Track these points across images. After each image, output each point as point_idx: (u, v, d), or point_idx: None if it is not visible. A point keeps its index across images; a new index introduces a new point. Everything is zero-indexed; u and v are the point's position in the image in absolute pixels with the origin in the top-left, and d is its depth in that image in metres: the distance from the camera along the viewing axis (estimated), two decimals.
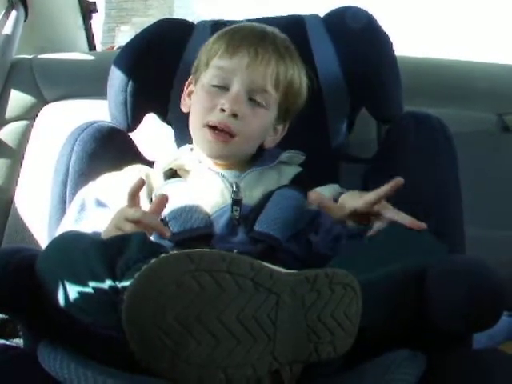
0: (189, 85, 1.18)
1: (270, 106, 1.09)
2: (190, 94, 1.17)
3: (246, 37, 1.09)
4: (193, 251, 0.65)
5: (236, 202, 1.04)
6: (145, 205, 0.98)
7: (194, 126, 1.11)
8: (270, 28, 1.14)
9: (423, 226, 0.91)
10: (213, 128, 1.06)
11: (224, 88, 1.07)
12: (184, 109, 1.18)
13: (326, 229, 1.02)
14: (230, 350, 0.65)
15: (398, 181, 0.93)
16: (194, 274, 0.64)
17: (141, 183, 0.91)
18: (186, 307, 0.63)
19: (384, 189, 0.94)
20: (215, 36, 1.14)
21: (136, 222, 0.88)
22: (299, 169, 1.14)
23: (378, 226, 0.94)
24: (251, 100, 1.07)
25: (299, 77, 1.13)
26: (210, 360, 0.64)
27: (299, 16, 1.33)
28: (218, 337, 0.64)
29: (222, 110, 1.05)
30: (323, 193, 1.07)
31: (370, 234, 0.94)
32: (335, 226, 1.00)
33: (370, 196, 0.95)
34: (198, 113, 1.09)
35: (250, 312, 0.66)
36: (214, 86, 1.08)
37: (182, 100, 1.18)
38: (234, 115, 1.05)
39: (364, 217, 0.97)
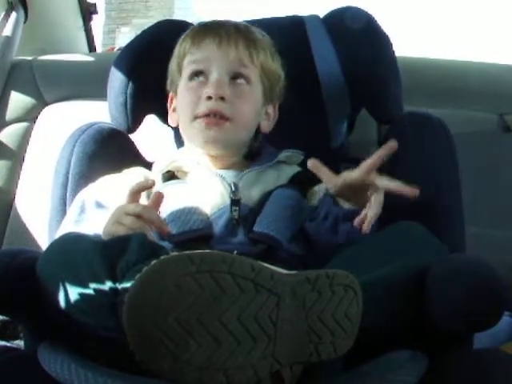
0: (171, 101, 1.18)
1: (251, 81, 1.10)
2: (175, 110, 1.17)
3: (209, 27, 1.12)
4: (193, 252, 0.65)
5: (235, 201, 1.04)
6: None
7: (184, 124, 1.11)
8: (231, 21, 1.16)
9: (416, 191, 0.90)
10: (203, 116, 1.06)
11: (203, 79, 1.08)
12: (172, 123, 1.18)
13: (326, 213, 1.01)
14: (230, 352, 0.64)
15: (392, 145, 0.94)
16: (194, 276, 0.64)
17: (150, 184, 0.92)
18: (187, 309, 0.63)
19: (378, 153, 0.94)
20: (178, 43, 1.15)
21: (136, 216, 0.88)
22: (298, 168, 1.14)
23: (373, 199, 0.93)
24: (232, 81, 1.08)
25: (272, 60, 1.14)
26: (210, 361, 0.63)
27: (299, 17, 1.33)
28: (218, 338, 0.64)
29: (209, 98, 1.05)
30: (321, 190, 1.08)
31: (364, 212, 0.93)
32: (332, 209, 1.00)
33: (365, 162, 0.94)
34: (184, 111, 1.09)
35: (250, 313, 0.66)
36: (192, 80, 1.09)
37: (169, 117, 1.18)
38: (221, 98, 1.05)
39: (358, 195, 0.96)
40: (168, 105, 1.18)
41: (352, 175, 0.95)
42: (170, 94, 1.18)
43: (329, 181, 0.98)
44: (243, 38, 1.10)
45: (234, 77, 1.08)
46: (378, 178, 0.93)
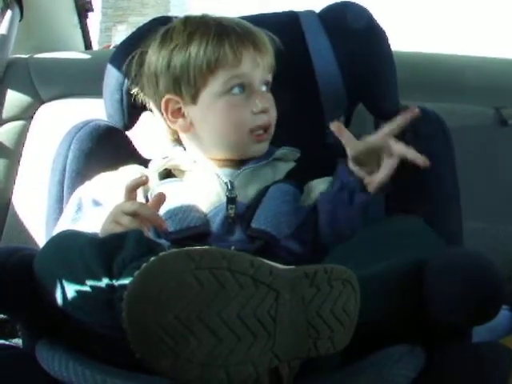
0: (166, 106, 1.09)
1: (269, 86, 1.11)
2: (176, 114, 1.09)
3: (240, 35, 1.06)
4: (193, 249, 0.65)
5: (231, 199, 1.04)
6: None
7: (232, 138, 1.06)
8: (233, 18, 1.13)
9: (427, 162, 0.95)
10: (258, 130, 1.07)
11: (243, 91, 1.06)
12: (182, 130, 1.11)
13: (341, 184, 1.02)
14: (231, 348, 0.64)
15: (414, 111, 0.97)
16: (194, 272, 0.63)
17: (144, 181, 0.92)
18: (187, 306, 0.62)
19: (399, 118, 0.98)
20: (195, 46, 1.04)
21: (133, 214, 0.88)
22: (293, 164, 1.14)
23: (385, 163, 0.97)
24: (264, 88, 1.09)
25: None
26: (211, 358, 0.63)
27: (294, 12, 1.32)
28: (219, 335, 0.64)
29: (262, 112, 1.06)
30: (319, 186, 1.08)
31: (375, 181, 0.97)
32: (347, 180, 1.01)
33: (386, 126, 0.98)
34: (231, 127, 1.05)
35: (250, 309, 0.66)
36: (231, 93, 1.05)
37: (169, 122, 1.11)
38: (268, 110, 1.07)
39: (373, 160, 0.98)
40: (162, 107, 1.09)
41: (372, 138, 0.99)
42: (166, 98, 1.08)
43: (349, 144, 1.00)
44: (269, 45, 1.10)
45: (263, 85, 1.09)
46: (394, 143, 0.97)
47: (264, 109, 1.06)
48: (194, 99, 1.06)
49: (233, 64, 1.04)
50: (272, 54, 1.10)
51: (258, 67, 1.06)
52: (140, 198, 1.00)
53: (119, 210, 0.89)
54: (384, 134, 0.98)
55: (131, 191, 0.91)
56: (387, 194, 1.00)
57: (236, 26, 1.07)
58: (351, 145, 0.99)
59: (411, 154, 0.96)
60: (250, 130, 1.06)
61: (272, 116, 1.08)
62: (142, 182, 0.93)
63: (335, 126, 1.00)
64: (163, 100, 1.09)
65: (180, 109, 1.08)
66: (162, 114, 1.11)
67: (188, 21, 1.10)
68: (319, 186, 1.08)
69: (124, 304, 0.62)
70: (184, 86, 1.06)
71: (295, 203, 1.06)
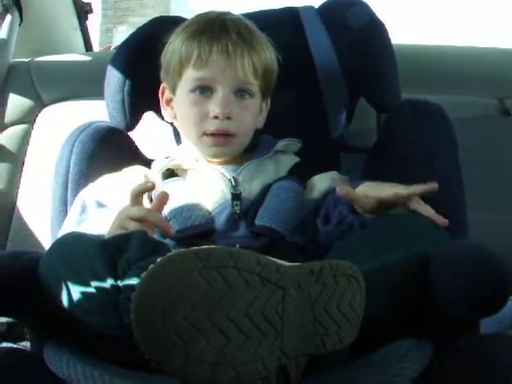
0: (163, 92, 1.16)
1: (254, 94, 1.10)
2: (168, 102, 1.15)
3: (213, 36, 1.06)
4: (200, 248, 0.65)
5: (236, 196, 1.04)
6: (145, 205, 0.97)
7: (191, 136, 1.10)
8: (230, 16, 1.12)
9: (446, 222, 0.91)
10: (211, 134, 1.06)
11: (208, 93, 1.07)
12: (168, 119, 1.17)
13: (340, 218, 1.00)
14: (239, 347, 0.64)
15: (433, 185, 0.93)
16: (201, 272, 0.63)
17: (150, 187, 0.91)
18: (195, 305, 0.62)
19: (417, 188, 0.93)
20: (180, 40, 1.10)
21: (140, 220, 0.88)
22: (296, 159, 1.14)
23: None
24: (237, 94, 1.08)
25: (270, 56, 1.12)
26: (220, 358, 0.63)
27: (294, 8, 1.32)
28: (227, 334, 0.63)
29: (216, 117, 1.05)
30: (322, 180, 1.09)
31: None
32: (350, 215, 0.98)
33: (402, 191, 0.93)
34: (190, 124, 1.08)
35: (257, 307, 0.65)
36: (195, 92, 1.07)
37: (162, 109, 1.17)
38: (228, 118, 1.05)
39: (380, 208, 0.96)
40: (160, 96, 1.16)
41: (383, 194, 0.94)
42: (162, 85, 1.15)
43: (360, 203, 0.96)
44: (247, 48, 1.07)
45: (239, 93, 1.08)
46: (412, 202, 0.93)
47: (219, 114, 1.05)
48: (173, 91, 1.12)
49: (196, 65, 1.07)
50: (258, 60, 1.09)
51: (225, 75, 1.06)
52: (144, 199, 0.99)
53: (125, 215, 0.89)
54: (399, 195, 0.93)
55: (137, 196, 0.91)
56: None
57: (214, 24, 1.08)
58: (362, 203, 0.96)
59: (427, 210, 0.93)
60: (203, 132, 1.06)
61: (235, 124, 1.07)
62: (148, 188, 0.92)
63: (342, 191, 0.96)
64: (161, 86, 1.16)
65: (172, 98, 1.14)
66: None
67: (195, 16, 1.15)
68: (321, 182, 1.09)
69: (132, 305, 0.62)
70: (169, 76, 1.12)
71: (298, 200, 1.06)
